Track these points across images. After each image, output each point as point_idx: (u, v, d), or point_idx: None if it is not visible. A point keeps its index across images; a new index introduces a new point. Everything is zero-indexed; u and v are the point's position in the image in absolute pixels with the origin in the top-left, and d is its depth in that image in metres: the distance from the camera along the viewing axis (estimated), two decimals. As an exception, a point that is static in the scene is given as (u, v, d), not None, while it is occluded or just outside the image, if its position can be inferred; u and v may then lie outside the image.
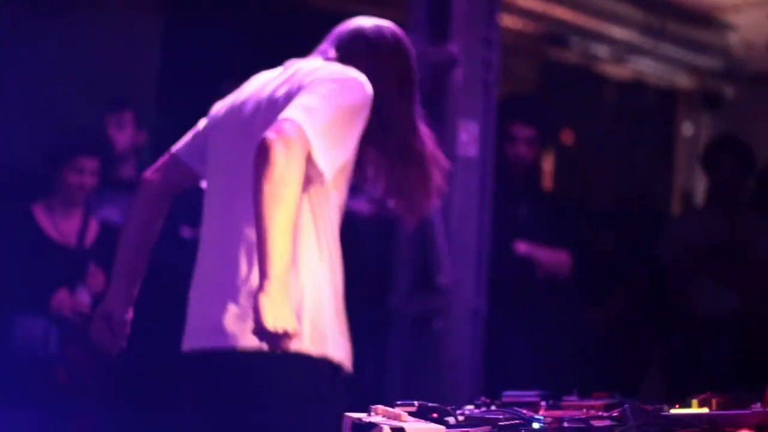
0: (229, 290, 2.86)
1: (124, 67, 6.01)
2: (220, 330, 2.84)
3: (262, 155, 2.65)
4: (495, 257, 5.12)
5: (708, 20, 8.00)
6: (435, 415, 2.40)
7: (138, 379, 4.85)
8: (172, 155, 3.14)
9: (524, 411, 2.42)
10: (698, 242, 5.75)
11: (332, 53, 3.04)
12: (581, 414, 2.44)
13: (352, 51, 3.03)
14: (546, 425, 2.32)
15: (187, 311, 2.99)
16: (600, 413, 2.44)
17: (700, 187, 7.84)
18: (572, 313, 5.50)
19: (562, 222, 5.49)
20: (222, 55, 5.63)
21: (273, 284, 2.58)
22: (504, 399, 2.73)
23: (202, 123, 3.14)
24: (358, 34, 3.06)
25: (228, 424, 2.86)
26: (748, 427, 2.29)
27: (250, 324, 2.67)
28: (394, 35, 3.08)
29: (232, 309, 2.83)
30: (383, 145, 3.00)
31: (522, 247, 5.34)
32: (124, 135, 5.28)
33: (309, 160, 2.74)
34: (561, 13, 7.46)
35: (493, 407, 2.60)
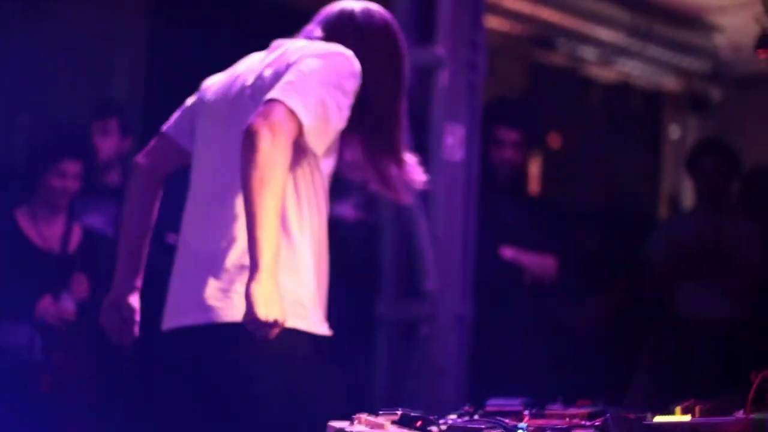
0: (209, 265, 2.85)
1: (110, 72, 6.00)
2: (202, 305, 2.83)
3: (248, 141, 2.66)
4: (481, 262, 5.11)
5: (695, 22, 8.01)
6: (418, 423, 2.39)
7: (123, 385, 4.83)
8: (161, 134, 3.14)
9: (507, 420, 2.42)
10: (685, 245, 5.75)
11: (318, 33, 3.04)
12: (564, 423, 2.44)
13: (338, 31, 3.02)
14: (528, 435, 2.32)
15: (169, 290, 2.98)
16: (582, 422, 2.44)
17: (687, 189, 7.85)
18: (559, 317, 5.50)
19: (548, 226, 5.48)
20: (209, 60, 5.61)
21: (264, 273, 2.60)
22: (488, 407, 2.73)
23: (190, 100, 3.13)
24: (345, 15, 3.05)
25: (216, 399, 2.84)
26: (731, 436, 2.29)
27: (232, 298, 2.73)
28: (381, 17, 3.06)
29: (212, 283, 2.83)
30: (366, 126, 2.99)
31: (508, 252, 5.33)
32: (109, 142, 5.26)
33: (300, 135, 2.75)
34: (548, 15, 7.45)
35: (476, 416, 2.60)
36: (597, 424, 2.38)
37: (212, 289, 2.82)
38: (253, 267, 2.61)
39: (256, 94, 2.86)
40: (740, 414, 2.35)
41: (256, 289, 2.59)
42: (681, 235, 5.83)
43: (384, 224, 5.07)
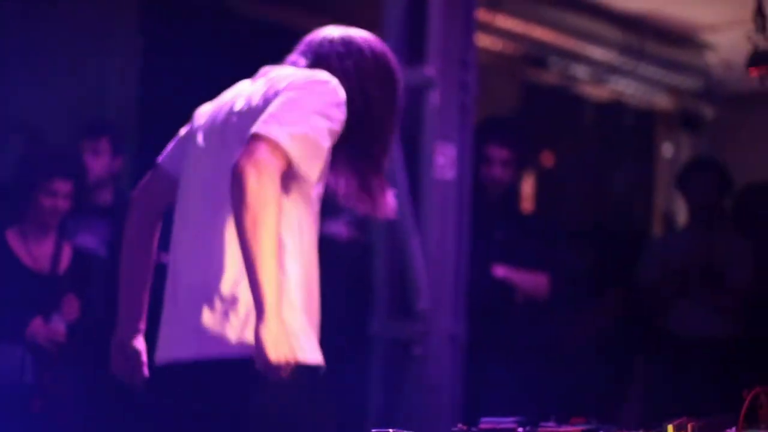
0: (202, 297, 2.83)
1: (102, 90, 6.00)
2: (196, 340, 2.81)
3: (235, 182, 2.66)
4: (473, 281, 5.10)
5: (687, 41, 8.03)
6: (410, 442, 2.39)
7: (114, 406, 4.81)
8: (156, 166, 3.13)
9: (500, 438, 2.41)
10: (677, 263, 5.76)
11: (302, 62, 3.04)
12: (557, 441, 2.44)
13: (322, 59, 3.02)
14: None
15: (161, 321, 2.96)
16: (576, 440, 2.44)
17: (680, 207, 7.85)
18: (552, 335, 5.49)
19: (540, 244, 5.47)
20: (202, 78, 5.63)
21: (269, 315, 2.60)
22: (482, 425, 2.73)
23: (183, 130, 3.13)
24: (327, 42, 3.05)
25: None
26: (723, 453, 2.28)
27: (226, 333, 2.72)
28: (365, 41, 3.05)
29: (206, 317, 2.80)
30: (356, 145, 2.98)
31: (500, 271, 5.33)
32: (100, 162, 5.24)
33: (290, 166, 2.74)
34: (540, 34, 7.48)
35: (469, 436, 2.59)
36: (590, 441, 2.38)
37: (205, 324, 2.80)
38: (258, 310, 2.62)
39: (243, 122, 2.86)
40: (733, 431, 2.35)
41: (264, 333, 2.59)
42: (673, 253, 5.83)
43: (376, 243, 5.07)
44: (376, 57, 3.04)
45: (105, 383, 4.69)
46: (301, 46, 3.09)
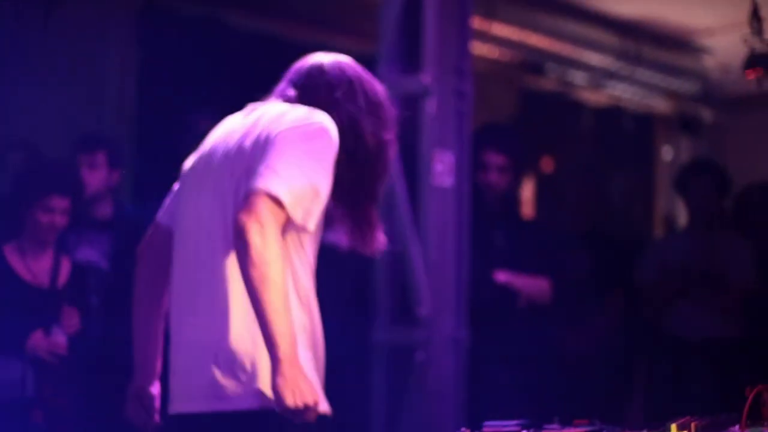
0: (211, 351, 2.84)
1: (100, 103, 6.02)
2: (207, 393, 2.83)
3: (239, 239, 2.69)
4: (474, 286, 5.11)
5: (683, 45, 8.05)
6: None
7: (115, 419, 4.81)
8: (156, 224, 3.14)
9: (503, 441, 2.41)
10: (678, 265, 5.76)
11: (291, 93, 3.04)
12: (560, 442, 2.44)
13: (310, 89, 3.02)
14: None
15: (170, 371, 2.97)
16: (579, 441, 2.44)
17: (681, 210, 7.86)
18: (554, 339, 5.49)
19: (540, 249, 5.48)
20: (199, 90, 5.64)
21: (284, 365, 2.64)
22: (485, 429, 2.72)
23: (176, 185, 3.14)
24: (315, 71, 3.04)
25: None
26: (727, 451, 2.28)
27: (236, 385, 2.77)
28: (352, 69, 3.06)
29: (216, 371, 2.82)
30: (343, 178, 2.99)
31: (502, 276, 5.34)
32: (96, 176, 5.23)
33: (290, 220, 2.76)
34: (537, 41, 7.49)
35: (473, 439, 2.59)
36: (593, 442, 2.38)
37: (213, 379, 2.82)
38: (273, 360, 2.65)
39: (236, 164, 2.87)
40: (736, 429, 2.35)
41: (280, 382, 2.63)
42: (673, 255, 5.83)
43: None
44: (365, 88, 3.03)
45: (105, 395, 4.71)
46: (290, 73, 3.08)
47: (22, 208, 4.82)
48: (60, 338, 4.76)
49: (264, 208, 2.71)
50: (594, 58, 7.73)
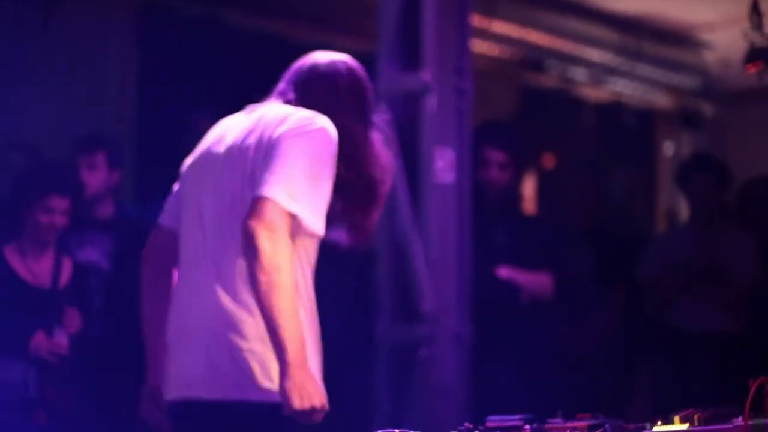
0: (211, 339, 2.89)
1: (100, 103, 6.02)
2: (204, 380, 2.88)
3: (249, 245, 2.75)
4: (477, 283, 5.11)
5: (683, 40, 8.04)
6: (416, 442, 2.39)
7: (117, 418, 4.82)
8: (158, 226, 3.17)
9: (507, 435, 2.41)
10: (680, 260, 5.75)
11: (291, 95, 3.07)
12: (563, 435, 2.44)
13: (309, 90, 3.06)
14: (527, 448, 2.31)
15: (170, 359, 3.00)
16: (582, 434, 2.44)
17: (683, 205, 7.85)
18: (557, 335, 5.49)
19: (542, 245, 5.48)
20: (199, 89, 5.64)
21: (292, 368, 2.69)
22: (488, 424, 2.73)
23: (176, 186, 3.16)
24: (314, 72, 3.08)
25: None
26: (730, 442, 2.28)
27: (233, 374, 2.81)
28: (349, 69, 3.10)
29: (216, 359, 2.87)
30: (342, 177, 3.02)
31: (504, 272, 5.34)
32: (96, 177, 5.23)
33: (297, 224, 2.82)
34: (537, 38, 7.50)
35: (476, 432, 2.60)
36: (596, 434, 2.38)
37: (214, 364, 2.86)
38: (282, 364, 2.71)
39: (237, 163, 2.92)
40: (739, 421, 2.35)
41: (288, 385, 2.69)
42: (675, 250, 5.83)
43: (378, 248, 5.08)
44: (359, 87, 3.09)
45: (108, 394, 4.71)
46: (289, 73, 3.12)
47: (21, 208, 4.82)
48: (62, 339, 4.76)
49: (273, 213, 2.76)
50: (594, 55, 7.72)
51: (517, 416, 2.74)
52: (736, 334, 5.59)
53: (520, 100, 8.09)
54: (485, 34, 7.02)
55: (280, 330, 2.70)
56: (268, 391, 2.81)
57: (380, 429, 2.82)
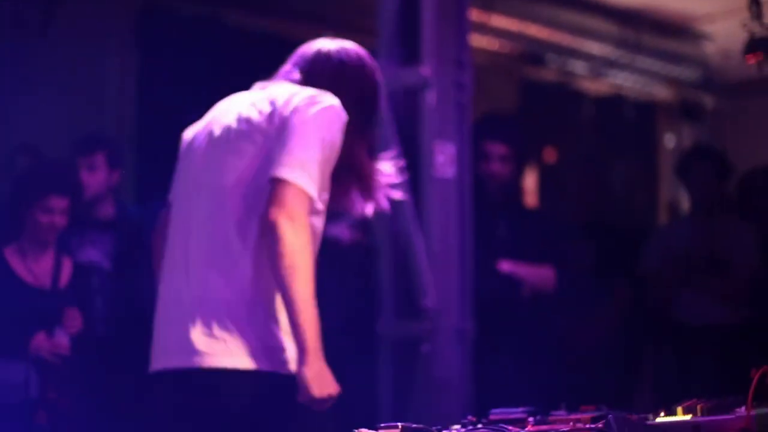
0: (197, 309, 2.89)
1: (100, 104, 6.02)
2: (188, 349, 2.87)
3: (272, 234, 2.77)
4: (479, 277, 5.11)
5: (683, 31, 8.03)
6: (420, 436, 2.39)
7: (119, 417, 4.82)
8: (168, 204, 3.16)
9: (510, 428, 2.41)
10: (681, 252, 5.75)
11: (296, 75, 3.06)
12: (567, 427, 2.43)
13: (315, 72, 3.07)
14: (530, 440, 2.31)
15: (155, 329, 3.01)
16: (586, 426, 2.43)
17: (685, 197, 7.85)
18: (558, 328, 5.49)
19: (543, 238, 5.48)
20: (199, 90, 5.63)
21: (311, 355, 2.74)
22: (492, 417, 2.72)
23: (178, 161, 3.15)
24: (321, 55, 3.10)
25: None
26: (733, 432, 2.28)
27: (217, 344, 2.82)
28: (357, 55, 3.12)
29: (198, 328, 2.87)
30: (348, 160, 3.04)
31: (505, 266, 5.34)
32: (96, 177, 5.22)
33: (312, 203, 2.86)
34: (536, 31, 7.49)
35: (479, 425, 2.59)
36: (599, 426, 2.37)
37: (197, 334, 2.87)
38: (300, 350, 2.74)
39: (242, 137, 2.94)
40: (742, 411, 2.35)
41: (307, 372, 2.73)
42: (676, 241, 5.83)
43: (380, 243, 5.08)
44: (365, 73, 3.13)
45: (108, 395, 4.71)
46: (295, 57, 3.13)
47: (21, 209, 4.82)
48: (62, 339, 4.76)
49: (294, 200, 2.80)
50: (594, 47, 7.72)
51: (521, 409, 2.73)
52: (736, 325, 5.59)
53: (520, 94, 8.08)
54: (484, 29, 7.02)
55: (299, 314, 2.74)
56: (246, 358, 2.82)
57: (382, 422, 2.82)
